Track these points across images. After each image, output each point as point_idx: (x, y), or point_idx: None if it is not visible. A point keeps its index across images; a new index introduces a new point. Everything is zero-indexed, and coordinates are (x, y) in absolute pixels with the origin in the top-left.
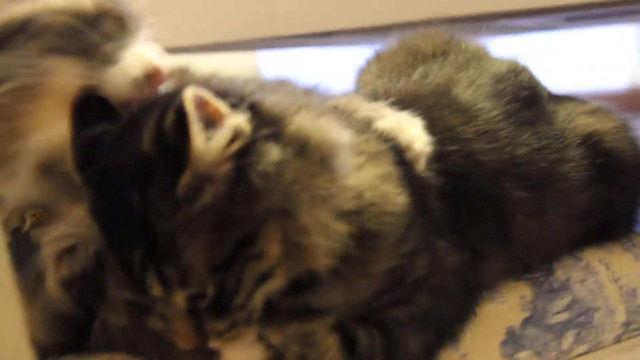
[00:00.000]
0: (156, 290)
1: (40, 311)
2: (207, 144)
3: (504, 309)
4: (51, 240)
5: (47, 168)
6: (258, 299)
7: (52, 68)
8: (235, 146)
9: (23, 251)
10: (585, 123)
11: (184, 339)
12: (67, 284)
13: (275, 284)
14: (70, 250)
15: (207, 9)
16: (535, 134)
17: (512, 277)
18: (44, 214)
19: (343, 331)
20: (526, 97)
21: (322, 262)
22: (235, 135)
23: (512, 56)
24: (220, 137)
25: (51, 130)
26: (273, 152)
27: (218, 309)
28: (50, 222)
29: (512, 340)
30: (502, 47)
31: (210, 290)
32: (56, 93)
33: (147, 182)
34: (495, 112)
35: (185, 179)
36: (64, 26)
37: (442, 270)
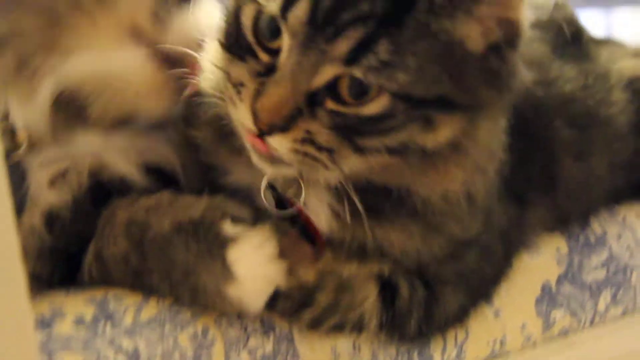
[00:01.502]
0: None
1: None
2: None
3: (539, 262)
4: (42, 163)
5: (65, 99)
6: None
7: None
8: None
9: (15, 179)
10: (630, 65)
11: (266, 112)
12: (52, 215)
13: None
14: (62, 175)
15: None
16: (582, 71)
17: (551, 229)
18: (37, 137)
19: (383, 280)
20: (571, 33)
21: None
22: None
23: None
24: None
25: (91, 58)
26: None
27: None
28: (42, 146)
29: (548, 297)
30: None
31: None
32: (115, 16)
33: None
34: (544, 46)
35: None
36: None
37: (492, 230)
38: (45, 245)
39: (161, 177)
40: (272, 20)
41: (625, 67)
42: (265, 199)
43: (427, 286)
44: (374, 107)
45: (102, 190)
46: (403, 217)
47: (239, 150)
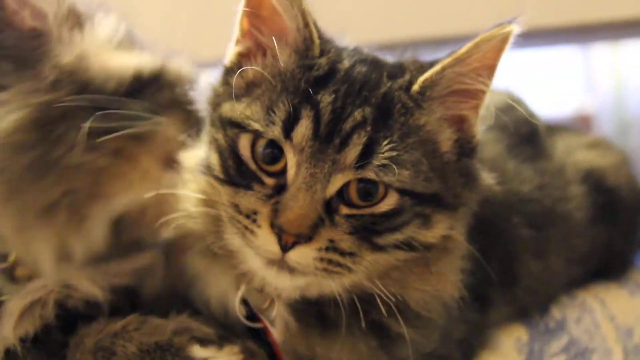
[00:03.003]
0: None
1: None
2: None
3: (500, 353)
4: (20, 297)
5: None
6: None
7: (161, 123)
8: None
9: None
10: (585, 158)
11: (292, 224)
12: (12, 352)
13: None
14: (30, 308)
15: None
16: (537, 170)
17: (510, 322)
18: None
19: None
20: (526, 132)
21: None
22: None
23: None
24: None
25: (136, 193)
26: None
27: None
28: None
29: None
30: None
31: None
32: (154, 153)
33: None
34: (499, 146)
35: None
36: (183, 86)
37: (450, 341)
38: None
39: (128, 296)
40: (271, 144)
41: (581, 160)
42: (239, 312)
43: None
44: (385, 205)
45: (70, 318)
46: (357, 334)
47: (223, 273)
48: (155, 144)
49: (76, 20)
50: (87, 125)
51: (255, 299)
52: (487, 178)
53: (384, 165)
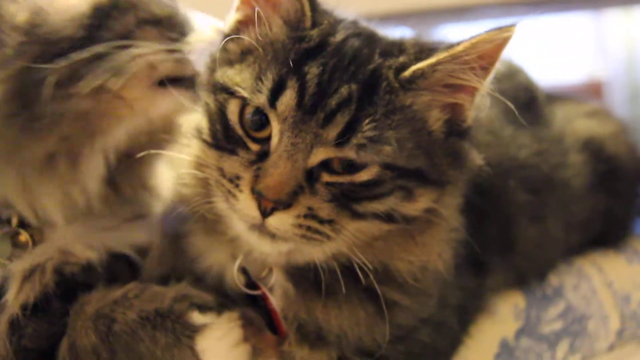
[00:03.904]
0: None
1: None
2: None
3: (497, 320)
4: (22, 264)
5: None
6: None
7: (133, 49)
8: None
9: None
10: (584, 126)
11: (271, 190)
12: (17, 320)
13: None
14: (29, 275)
15: None
16: (536, 136)
17: (509, 287)
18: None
19: None
20: (524, 99)
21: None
22: None
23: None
24: None
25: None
26: None
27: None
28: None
29: (507, 352)
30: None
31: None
32: (140, 76)
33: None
34: (495, 111)
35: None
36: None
37: (446, 307)
38: (10, 350)
39: (128, 263)
40: (258, 111)
41: (581, 128)
42: (238, 280)
43: None
44: (365, 175)
45: (70, 287)
46: (355, 300)
47: (220, 241)
48: (135, 71)
49: None
50: (50, 78)
51: (253, 267)
52: (477, 159)
53: (364, 144)
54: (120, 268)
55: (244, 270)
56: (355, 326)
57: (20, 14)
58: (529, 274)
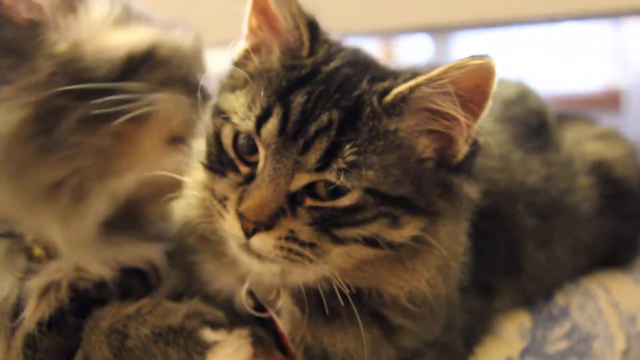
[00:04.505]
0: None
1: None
2: None
3: (502, 339)
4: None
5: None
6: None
7: (159, 102)
8: None
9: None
10: (594, 149)
11: (251, 211)
12: (32, 336)
13: None
14: (45, 292)
15: None
16: (544, 161)
17: (514, 309)
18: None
19: None
20: (534, 124)
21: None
22: None
23: (517, 78)
24: None
25: (140, 172)
26: None
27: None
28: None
29: None
30: (475, 43)
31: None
32: (159, 126)
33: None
34: (504, 136)
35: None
36: (180, 60)
37: (452, 329)
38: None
39: (140, 277)
40: (248, 136)
41: (590, 151)
42: (246, 303)
43: None
44: (347, 200)
45: (84, 302)
46: (360, 323)
47: (227, 264)
48: (155, 123)
49: (70, 4)
50: (78, 111)
51: (261, 290)
52: (472, 192)
53: (344, 169)
54: (134, 283)
55: (252, 293)
56: (361, 349)
57: (60, 44)
58: (536, 295)
